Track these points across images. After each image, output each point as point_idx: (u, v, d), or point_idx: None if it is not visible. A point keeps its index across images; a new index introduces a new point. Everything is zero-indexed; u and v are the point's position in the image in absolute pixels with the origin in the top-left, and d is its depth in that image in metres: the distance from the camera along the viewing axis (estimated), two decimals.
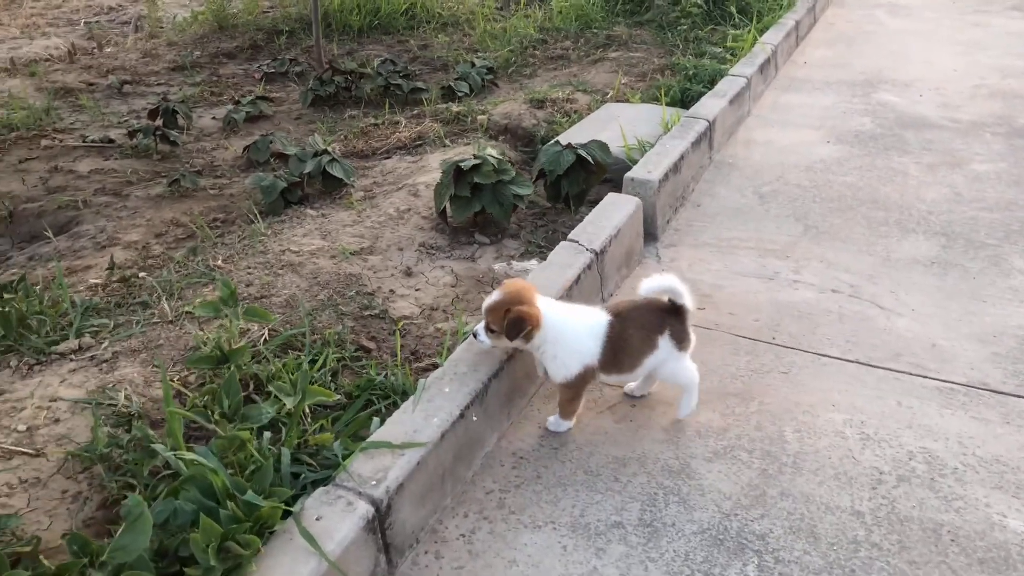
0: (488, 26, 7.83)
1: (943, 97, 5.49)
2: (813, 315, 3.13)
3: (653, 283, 2.44)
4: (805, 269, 3.47)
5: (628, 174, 3.69)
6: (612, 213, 3.30)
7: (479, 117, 5.43)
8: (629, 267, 3.38)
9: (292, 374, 2.61)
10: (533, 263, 3.56)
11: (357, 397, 2.55)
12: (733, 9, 6.84)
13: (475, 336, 2.44)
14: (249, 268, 3.42)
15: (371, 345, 2.95)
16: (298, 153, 4.60)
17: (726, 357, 2.88)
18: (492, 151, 3.88)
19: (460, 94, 6.00)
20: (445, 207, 3.75)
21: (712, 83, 5.20)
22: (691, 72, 5.40)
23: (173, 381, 2.65)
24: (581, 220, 3.94)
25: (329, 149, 4.53)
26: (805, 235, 3.75)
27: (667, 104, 5.06)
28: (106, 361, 2.79)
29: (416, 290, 3.35)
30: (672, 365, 2.48)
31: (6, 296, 2.82)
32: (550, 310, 2.40)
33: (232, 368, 2.33)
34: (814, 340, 2.98)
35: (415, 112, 5.76)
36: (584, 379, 2.43)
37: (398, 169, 4.72)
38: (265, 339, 2.88)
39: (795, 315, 3.13)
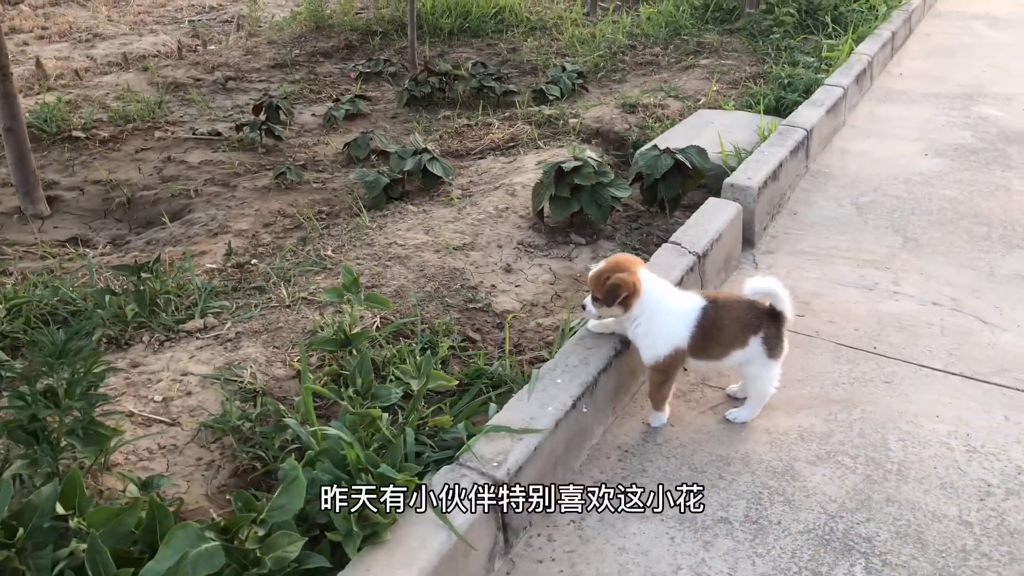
0: (576, 31, 7.92)
1: None
2: (914, 327, 3.13)
3: (758, 285, 2.49)
4: (905, 281, 3.45)
5: (728, 180, 3.73)
6: (713, 217, 3.35)
7: (571, 120, 5.52)
8: (727, 271, 3.43)
9: (405, 360, 2.74)
10: None
11: (469, 385, 2.66)
12: (828, 19, 6.78)
13: (583, 308, 2.54)
14: (358, 259, 3.58)
15: (476, 336, 3.07)
16: (398, 151, 4.76)
17: (827, 364, 2.91)
18: (591, 153, 3.96)
19: (551, 97, 6.10)
20: (543, 207, 3.85)
21: (807, 92, 5.18)
22: (785, 81, 5.39)
23: (295, 361, 2.81)
24: (676, 224, 3.99)
25: (429, 147, 4.67)
26: (904, 247, 3.73)
27: (762, 112, 5.08)
28: (229, 340, 2.97)
29: (516, 286, 3.45)
30: (758, 369, 2.52)
31: (143, 276, 3.01)
32: (650, 285, 2.48)
33: (363, 349, 2.46)
34: (916, 351, 2.98)
35: (507, 114, 5.89)
36: (674, 361, 2.48)
37: (493, 169, 4.84)
38: (377, 326, 3.02)
39: (896, 326, 3.13)
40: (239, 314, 3.16)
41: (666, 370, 2.50)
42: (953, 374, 2.85)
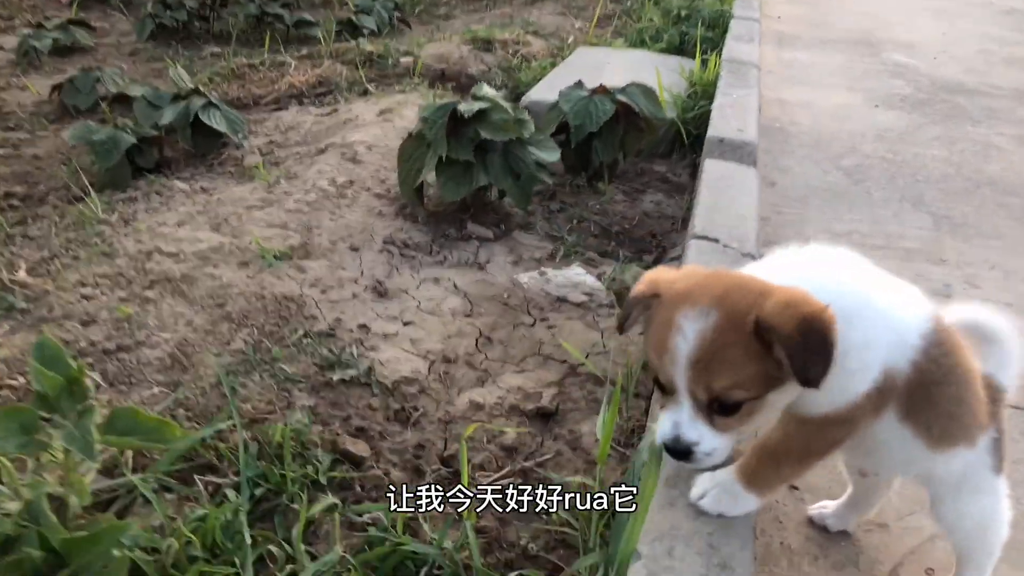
0: None
1: (960, 63, 4.62)
2: None
3: (972, 314, 1.16)
4: (979, 279, 2.33)
5: (712, 132, 2.41)
6: (733, 193, 1.99)
7: (402, 59, 3.93)
8: None
9: (218, 547, 1.12)
10: (578, 272, 2.19)
11: None
12: None
13: (674, 447, 1.01)
14: (86, 285, 1.82)
15: (360, 449, 1.48)
16: (147, 94, 2.95)
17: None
18: (490, 91, 2.43)
19: (365, 31, 4.45)
20: (422, 179, 2.28)
21: (712, 27, 4.00)
22: (682, 13, 4.17)
23: None
24: (617, 204, 2.62)
25: (202, 88, 2.90)
26: (940, 229, 2.62)
27: (661, 51, 3.85)
28: None
29: (404, 323, 1.90)
30: (983, 498, 1.18)
31: None
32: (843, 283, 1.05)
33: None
34: None
35: (305, 51, 4.17)
36: (875, 404, 1.03)
37: (304, 123, 3.17)
38: (143, 454, 1.34)
39: None
40: None
41: (847, 423, 1.04)
42: None
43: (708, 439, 0.99)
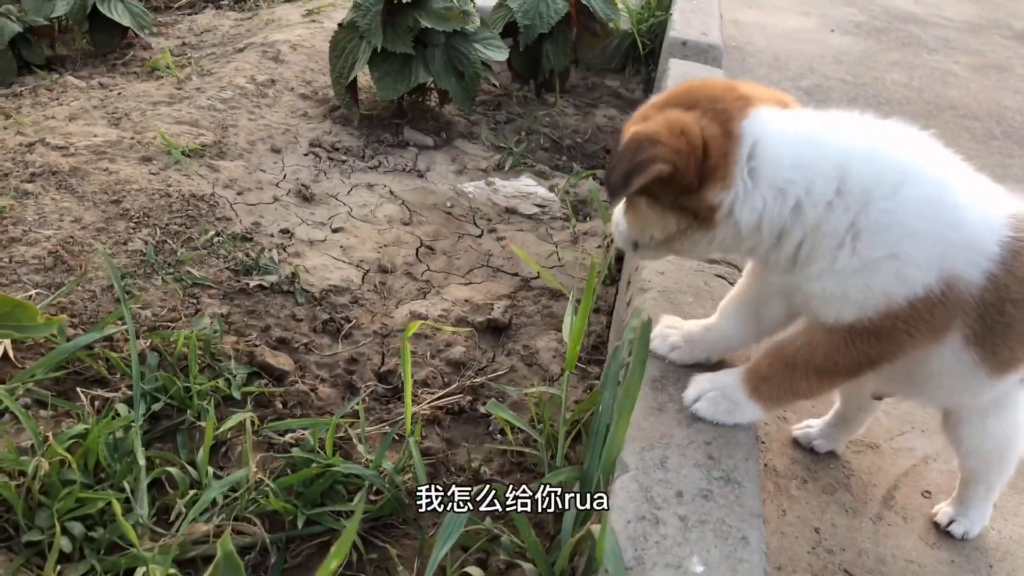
0: None
1: None
2: None
3: None
4: None
5: (674, 35, 2.20)
6: None
7: None
8: None
9: (106, 464, 0.91)
10: (528, 182, 1.99)
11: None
12: None
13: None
14: None
15: (282, 362, 1.26)
16: None
17: None
18: None
19: None
20: (355, 76, 2.02)
21: None
22: None
23: None
24: (569, 116, 2.41)
25: None
26: None
27: None
28: None
29: (333, 230, 1.67)
30: (1009, 414, 1.04)
31: None
32: (819, 129, 0.94)
33: None
34: None
35: None
36: (914, 329, 0.86)
37: (222, 27, 2.85)
38: (8, 355, 1.10)
39: None
40: None
41: (883, 338, 0.86)
42: None
43: (618, 213, 1.00)
